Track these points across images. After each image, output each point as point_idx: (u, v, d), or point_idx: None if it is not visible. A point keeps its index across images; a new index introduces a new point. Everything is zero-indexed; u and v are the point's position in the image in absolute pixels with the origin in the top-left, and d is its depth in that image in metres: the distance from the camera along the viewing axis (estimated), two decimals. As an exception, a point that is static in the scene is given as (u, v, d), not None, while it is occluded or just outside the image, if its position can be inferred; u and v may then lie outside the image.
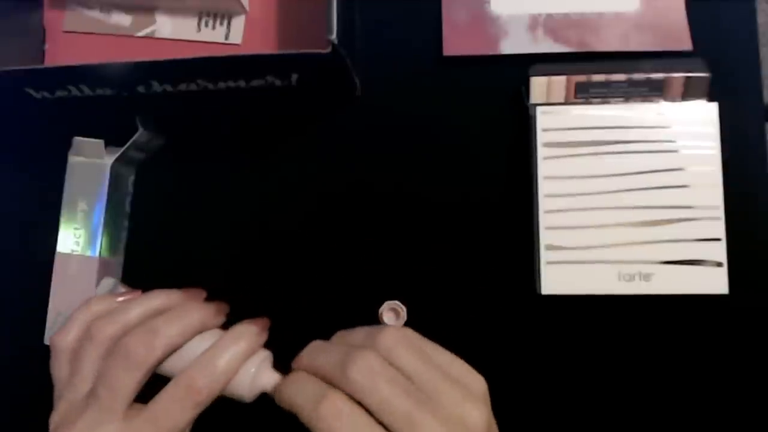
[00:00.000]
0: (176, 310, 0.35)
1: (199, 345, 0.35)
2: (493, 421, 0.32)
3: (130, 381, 0.32)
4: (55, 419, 0.33)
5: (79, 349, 0.34)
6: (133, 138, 0.42)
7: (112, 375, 0.32)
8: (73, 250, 0.42)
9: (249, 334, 0.36)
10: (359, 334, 0.34)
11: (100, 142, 0.42)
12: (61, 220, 0.42)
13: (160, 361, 0.34)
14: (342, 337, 0.35)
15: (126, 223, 0.45)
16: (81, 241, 0.42)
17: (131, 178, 0.45)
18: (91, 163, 0.42)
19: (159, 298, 0.36)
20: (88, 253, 0.42)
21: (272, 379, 0.35)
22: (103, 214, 0.42)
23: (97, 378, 0.33)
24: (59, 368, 0.34)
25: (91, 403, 0.32)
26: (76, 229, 0.42)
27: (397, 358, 0.31)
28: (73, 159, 0.42)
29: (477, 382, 0.32)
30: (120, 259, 0.45)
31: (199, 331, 0.36)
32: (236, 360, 0.35)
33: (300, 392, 0.32)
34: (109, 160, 0.42)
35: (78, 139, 0.42)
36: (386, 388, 0.29)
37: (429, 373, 0.31)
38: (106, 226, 0.42)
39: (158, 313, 0.35)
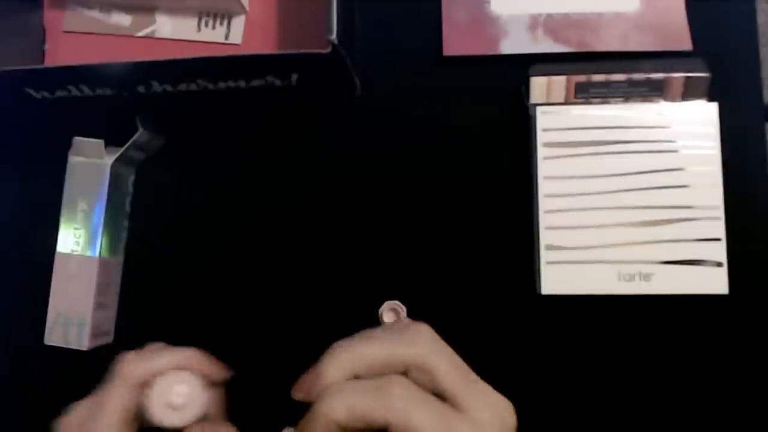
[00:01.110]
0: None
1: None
2: None
3: None
4: None
5: None
6: (133, 138, 0.42)
7: None
8: (73, 250, 0.42)
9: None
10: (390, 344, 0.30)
11: (100, 142, 0.42)
12: (61, 220, 0.42)
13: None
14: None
15: (126, 223, 0.45)
16: (81, 241, 0.42)
17: (131, 178, 0.45)
18: (91, 163, 0.42)
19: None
20: (88, 253, 0.42)
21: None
22: (103, 214, 0.42)
23: None
24: None
25: None
26: (76, 229, 0.42)
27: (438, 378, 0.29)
28: (73, 159, 0.42)
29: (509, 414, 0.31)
30: (120, 259, 0.45)
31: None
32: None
33: (355, 395, 0.29)
34: (109, 160, 0.42)
35: (78, 139, 0.42)
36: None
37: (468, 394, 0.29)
38: (106, 226, 0.42)
39: None
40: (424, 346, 0.30)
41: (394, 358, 0.29)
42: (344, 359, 0.31)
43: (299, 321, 0.44)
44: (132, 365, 0.33)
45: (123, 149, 0.42)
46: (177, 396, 0.33)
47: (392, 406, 0.27)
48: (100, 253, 0.42)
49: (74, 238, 0.42)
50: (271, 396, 0.44)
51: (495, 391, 0.30)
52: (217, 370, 0.36)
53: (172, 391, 0.33)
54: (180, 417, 0.33)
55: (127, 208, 0.45)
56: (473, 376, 0.30)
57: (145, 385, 0.33)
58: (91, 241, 0.42)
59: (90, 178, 0.42)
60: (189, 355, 0.35)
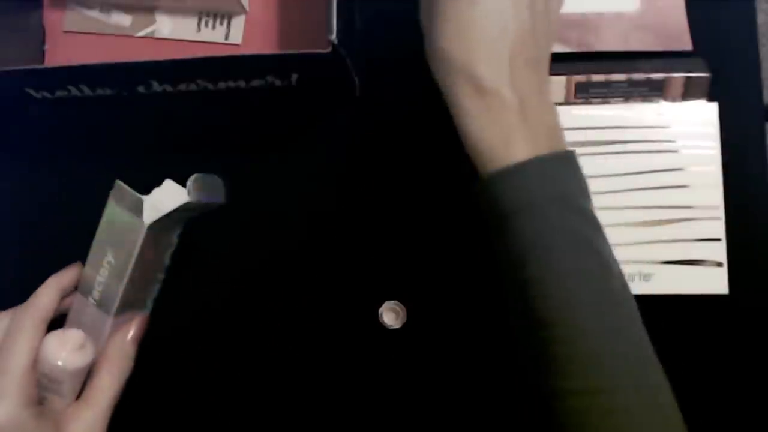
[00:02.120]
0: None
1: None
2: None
3: None
4: None
5: None
6: (175, 206, 0.37)
7: None
8: (91, 300, 0.38)
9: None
10: None
11: (140, 199, 0.36)
12: (87, 261, 0.38)
13: None
14: None
15: (161, 276, 0.42)
16: (100, 295, 0.38)
17: (177, 232, 0.41)
18: (127, 218, 0.37)
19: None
20: (104, 311, 0.38)
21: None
22: (127, 276, 0.37)
23: None
24: None
25: None
26: (99, 281, 0.38)
27: None
28: (112, 205, 0.37)
29: None
30: (147, 311, 0.41)
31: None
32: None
33: None
34: (147, 219, 0.36)
35: (120, 184, 0.37)
36: None
37: None
38: (131, 284, 0.38)
39: None
40: None
41: None
42: None
43: (299, 321, 0.44)
44: (26, 312, 0.36)
45: (162, 215, 0.36)
46: (74, 340, 0.36)
47: None
48: (116, 313, 0.38)
49: (96, 288, 0.38)
50: (271, 396, 0.44)
51: None
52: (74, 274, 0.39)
53: (67, 337, 0.36)
54: (86, 355, 0.37)
55: (167, 261, 0.41)
56: None
57: (45, 322, 0.36)
58: (109, 300, 0.38)
59: (123, 232, 0.37)
60: (59, 276, 0.39)
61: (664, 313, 0.43)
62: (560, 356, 0.30)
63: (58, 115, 0.45)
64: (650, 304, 0.42)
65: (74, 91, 0.41)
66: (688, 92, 0.42)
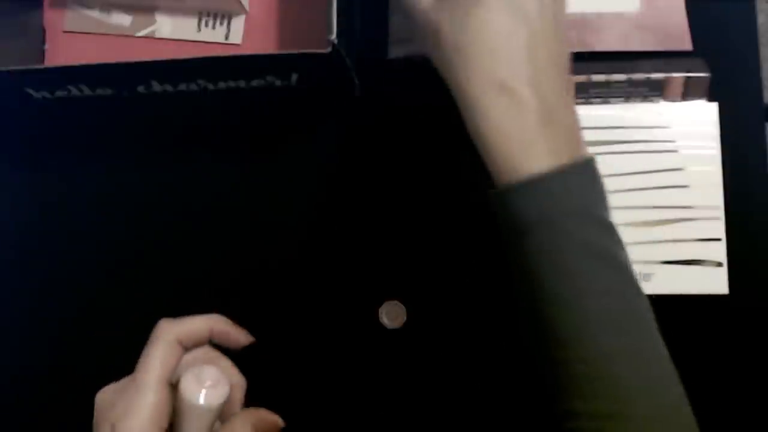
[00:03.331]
0: None
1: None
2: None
3: None
4: None
5: None
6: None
7: None
8: None
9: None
10: None
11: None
12: None
13: None
14: None
15: None
16: None
17: None
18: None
19: None
20: None
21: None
22: None
23: None
24: None
25: None
26: None
27: None
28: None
29: None
30: None
31: None
32: None
33: None
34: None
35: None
36: None
37: None
38: None
39: None
40: None
41: None
42: None
43: (299, 321, 0.44)
44: (168, 325, 0.33)
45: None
46: (212, 376, 0.34)
47: None
48: None
49: None
50: (271, 395, 0.44)
51: None
52: (241, 334, 0.36)
53: (204, 375, 0.33)
54: (222, 392, 0.34)
55: None
56: None
57: (181, 343, 0.33)
58: None
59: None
60: (216, 318, 0.35)
61: (664, 313, 0.43)
62: (578, 377, 0.29)
63: (58, 115, 0.45)
64: (650, 304, 0.42)
65: (74, 91, 0.41)
66: (688, 92, 0.42)
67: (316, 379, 0.43)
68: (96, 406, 0.33)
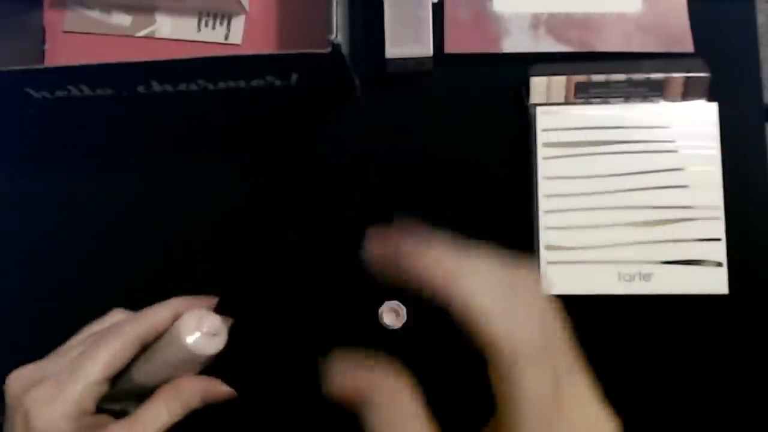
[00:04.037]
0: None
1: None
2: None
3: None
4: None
5: None
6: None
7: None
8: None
9: (179, 300, 0.36)
10: None
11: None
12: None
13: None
14: None
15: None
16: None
17: None
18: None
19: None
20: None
21: (216, 341, 0.34)
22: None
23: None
24: None
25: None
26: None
27: None
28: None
29: None
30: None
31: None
32: (163, 317, 0.34)
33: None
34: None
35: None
36: None
37: None
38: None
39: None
40: None
41: None
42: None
43: (299, 321, 0.44)
44: (133, 322, 0.34)
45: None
46: (212, 323, 0.34)
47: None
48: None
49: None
50: (271, 395, 0.44)
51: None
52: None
53: (204, 320, 0.34)
54: (216, 343, 0.34)
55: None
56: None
57: (142, 342, 0.33)
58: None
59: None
60: (180, 300, 0.36)
61: (664, 313, 0.43)
62: None
63: (58, 115, 0.45)
64: (650, 304, 0.42)
65: (74, 91, 0.41)
66: (688, 92, 0.42)
67: (316, 378, 0.43)
68: (9, 388, 0.33)
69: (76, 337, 0.37)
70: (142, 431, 0.33)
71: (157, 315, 0.35)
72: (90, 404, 0.32)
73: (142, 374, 0.34)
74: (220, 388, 0.37)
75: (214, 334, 0.34)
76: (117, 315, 0.37)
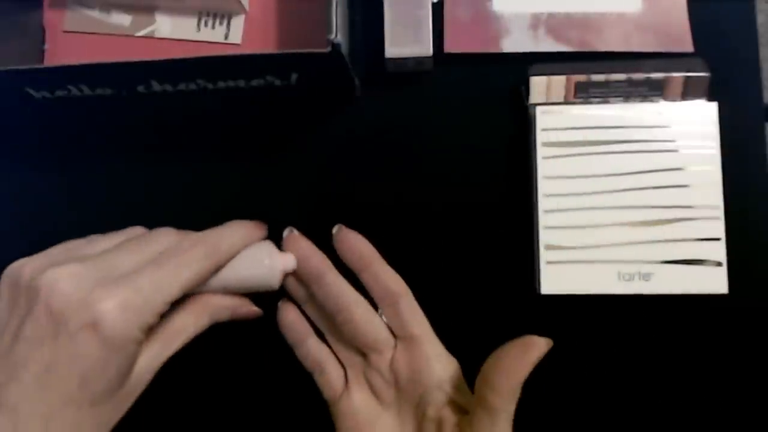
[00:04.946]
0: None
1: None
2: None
3: None
4: None
5: None
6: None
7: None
8: None
9: (244, 226, 0.39)
10: None
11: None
12: None
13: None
14: None
15: None
16: None
17: None
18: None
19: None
20: None
21: (288, 258, 0.39)
22: None
23: None
24: None
25: None
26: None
27: None
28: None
29: None
30: None
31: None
32: (236, 245, 0.37)
33: None
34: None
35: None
36: None
37: None
38: None
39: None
40: None
41: None
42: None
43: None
44: (216, 251, 0.36)
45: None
46: (287, 260, 0.39)
47: None
48: None
49: None
50: (271, 395, 0.44)
51: None
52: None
53: (286, 255, 0.39)
54: (280, 280, 0.39)
55: None
56: None
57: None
58: None
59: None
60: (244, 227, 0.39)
61: (664, 313, 0.43)
62: None
63: (58, 115, 0.45)
64: (650, 304, 0.42)
65: (74, 91, 0.41)
66: (688, 92, 0.42)
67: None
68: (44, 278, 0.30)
69: (106, 239, 0.36)
70: (172, 342, 0.34)
71: (233, 246, 0.37)
72: (154, 320, 0.31)
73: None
74: (250, 307, 0.39)
75: (285, 267, 0.39)
76: (169, 235, 0.37)
